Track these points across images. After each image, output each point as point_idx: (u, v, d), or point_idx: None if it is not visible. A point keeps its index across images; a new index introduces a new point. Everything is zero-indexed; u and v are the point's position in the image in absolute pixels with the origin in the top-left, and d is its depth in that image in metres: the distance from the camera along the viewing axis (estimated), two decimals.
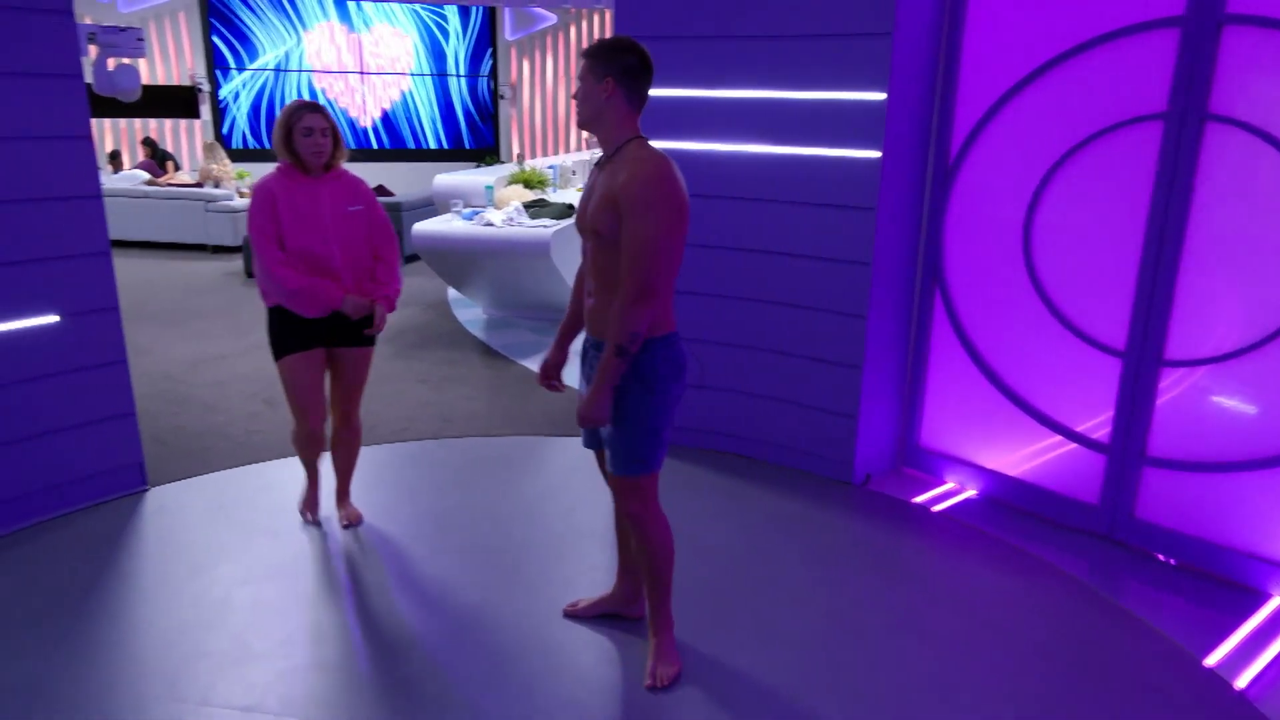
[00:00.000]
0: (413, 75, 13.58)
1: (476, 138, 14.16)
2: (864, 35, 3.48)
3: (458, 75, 13.79)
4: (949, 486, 3.96)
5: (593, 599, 2.93)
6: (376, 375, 3.40)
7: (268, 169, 3.10)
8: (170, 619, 2.87)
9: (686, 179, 2.38)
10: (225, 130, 12.58)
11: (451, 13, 13.49)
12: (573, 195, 7.44)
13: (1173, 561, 3.36)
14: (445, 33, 13.62)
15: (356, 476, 3.60)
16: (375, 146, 13.49)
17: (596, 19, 13.79)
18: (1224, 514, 3.21)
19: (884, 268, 3.73)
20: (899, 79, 3.51)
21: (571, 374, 3.18)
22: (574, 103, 2.41)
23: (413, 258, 8.98)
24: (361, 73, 13.29)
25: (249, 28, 12.50)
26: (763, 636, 2.84)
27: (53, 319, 3.40)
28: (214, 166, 9.87)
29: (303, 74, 12.93)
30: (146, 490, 3.77)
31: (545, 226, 6.09)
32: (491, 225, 6.16)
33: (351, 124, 13.31)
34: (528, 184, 7.46)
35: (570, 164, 8.74)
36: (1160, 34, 3.10)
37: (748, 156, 3.85)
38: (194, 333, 6.30)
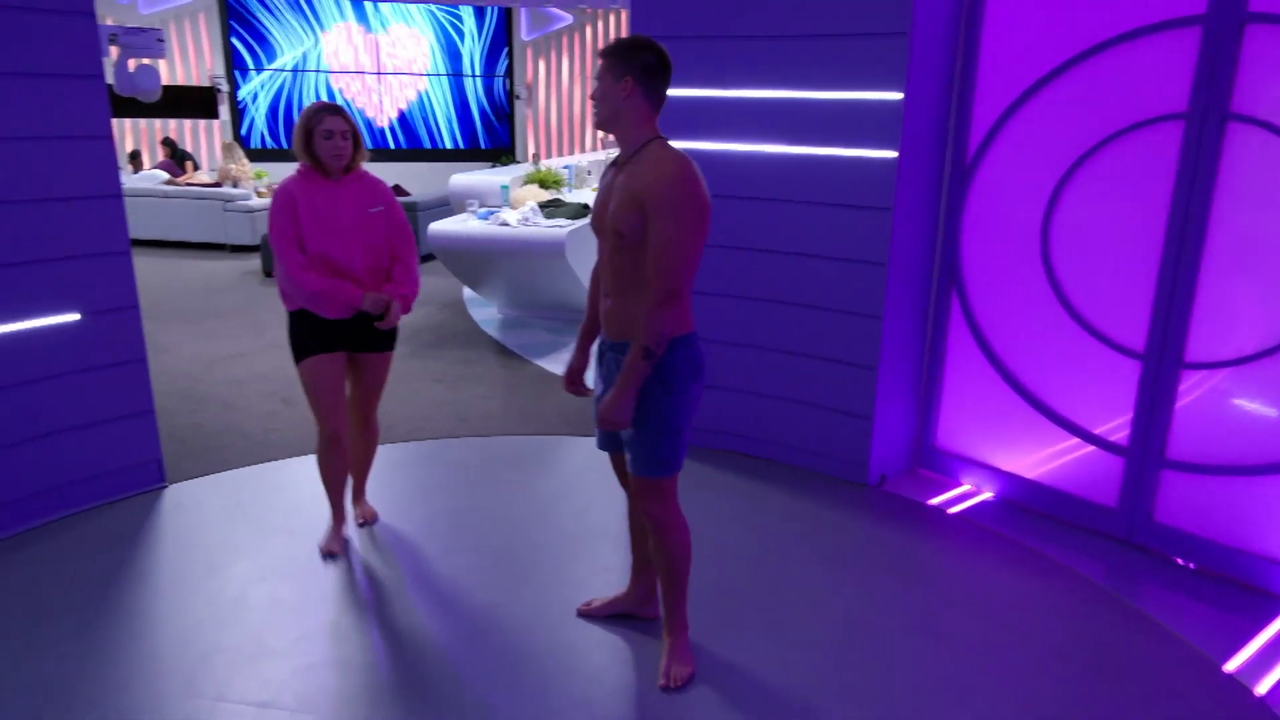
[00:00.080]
0: (429, 76, 13.64)
1: (492, 138, 14.20)
2: (880, 35, 3.47)
3: (473, 75, 13.84)
4: (965, 488, 3.94)
5: (606, 599, 2.93)
6: (392, 374, 3.41)
7: (286, 169, 3.12)
8: (187, 615, 2.90)
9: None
10: (244, 131, 12.68)
11: (467, 13, 13.53)
12: (588, 195, 7.45)
13: (1192, 565, 3.33)
14: (461, 33, 13.66)
15: (372, 475, 3.61)
16: (392, 146, 13.55)
17: (612, 19, 13.80)
18: (1244, 518, 3.18)
19: (900, 268, 3.71)
20: (916, 78, 3.49)
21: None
22: (591, 103, 2.39)
23: (428, 257, 9.02)
24: (378, 73, 13.35)
25: (267, 29, 12.59)
26: (776, 637, 2.83)
27: (74, 317, 3.44)
28: (232, 166, 9.95)
29: (320, 74, 13.01)
30: (165, 487, 3.80)
31: (560, 226, 6.09)
32: (507, 225, 6.18)
33: (369, 124, 13.38)
34: (543, 184, 7.47)
35: (586, 164, 8.75)
36: (1181, 33, 3.06)
37: (763, 156, 3.84)
38: (212, 331, 6.35)
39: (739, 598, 3.05)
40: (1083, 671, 2.70)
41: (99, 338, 3.52)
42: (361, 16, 13.10)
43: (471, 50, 13.76)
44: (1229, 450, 3.18)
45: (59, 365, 3.43)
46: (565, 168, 7.99)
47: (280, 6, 12.59)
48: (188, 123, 12.15)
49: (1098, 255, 3.39)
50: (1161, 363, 3.27)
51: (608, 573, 3.18)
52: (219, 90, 12.09)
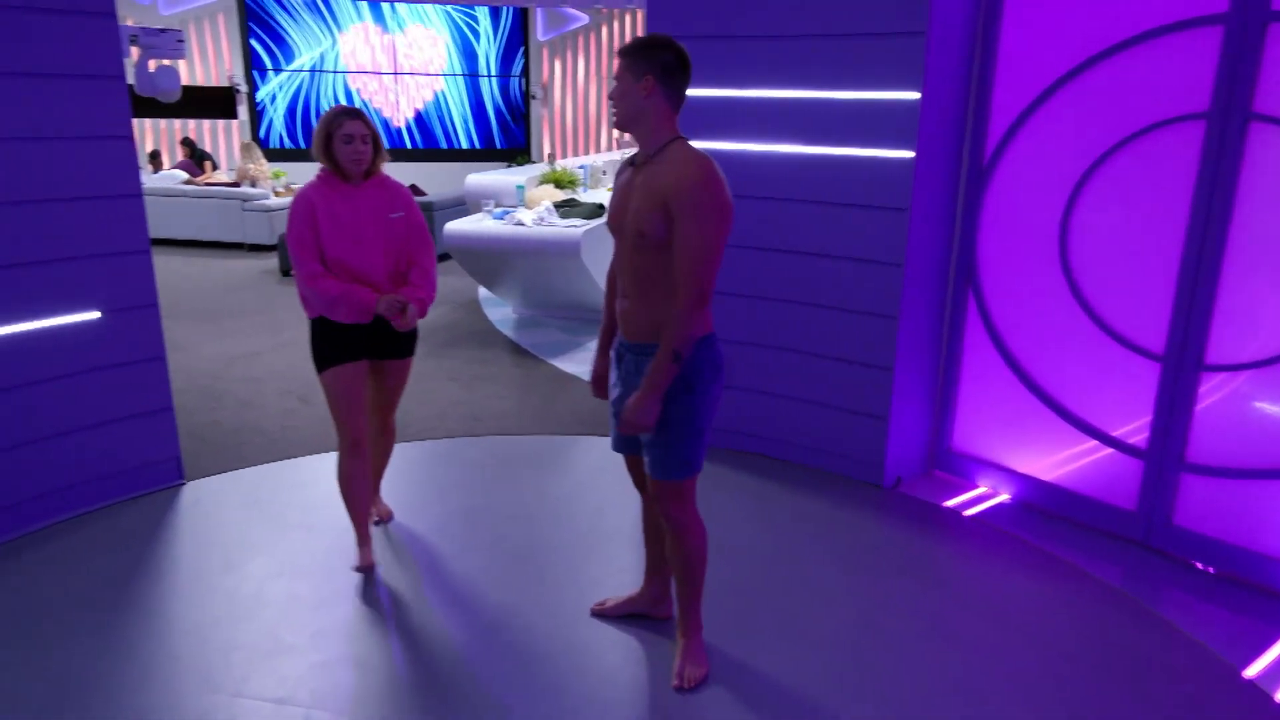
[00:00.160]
0: (445, 76, 13.69)
1: (508, 138, 14.24)
2: (898, 34, 3.45)
3: (489, 75, 13.89)
4: (981, 490, 3.91)
5: (620, 599, 2.93)
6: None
7: (303, 168, 3.12)
8: (205, 612, 2.92)
9: None
10: (263, 132, 12.77)
11: (483, 14, 13.58)
12: (603, 195, 7.45)
13: (1211, 570, 3.29)
14: (476, 34, 13.71)
15: (387, 473, 3.63)
16: (408, 146, 13.62)
17: (628, 19, 13.81)
18: (1265, 522, 3.14)
19: (916, 269, 3.69)
20: (933, 78, 3.47)
21: None
22: (609, 103, 2.38)
23: (444, 257, 9.05)
24: (395, 73, 13.42)
25: (285, 30, 12.68)
26: (790, 639, 2.83)
27: (94, 315, 3.48)
28: (251, 166, 10.02)
29: (338, 75, 13.08)
30: (183, 484, 3.84)
31: (576, 226, 6.10)
32: (522, 225, 6.19)
33: (385, 124, 13.45)
34: (559, 184, 7.49)
35: (601, 164, 8.76)
36: (1203, 31, 3.03)
37: (779, 156, 3.83)
38: (230, 330, 6.40)
39: (753, 598, 3.05)
40: (1099, 676, 2.68)
41: (119, 336, 3.55)
42: (379, 17, 13.17)
43: (487, 50, 13.81)
44: (1250, 453, 3.14)
45: (80, 363, 3.46)
46: (581, 168, 8.00)
47: (298, 8, 12.67)
48: (207, 123, 12.26)
49: (1117, 256, 3.37)
50: (1181, 365, 3.24)
51: (622, 573, 3.18)
52: (238, 90, 12.18)
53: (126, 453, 3.67)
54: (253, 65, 12.54)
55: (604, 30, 13.93)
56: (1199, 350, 3.19)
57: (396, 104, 13.53)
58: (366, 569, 3.16)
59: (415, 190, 10.10)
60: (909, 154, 3.52)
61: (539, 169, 8.35)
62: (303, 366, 5.38)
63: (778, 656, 2.73)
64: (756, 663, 2.70)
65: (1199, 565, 3.32)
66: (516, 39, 13.92)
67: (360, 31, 13.13)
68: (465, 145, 14.03)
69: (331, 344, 3.00)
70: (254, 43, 12.49)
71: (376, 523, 3.50)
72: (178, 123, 11.92)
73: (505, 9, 13.58)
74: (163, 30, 6.40)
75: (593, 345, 5.99)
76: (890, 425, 3.82)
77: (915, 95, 3.46)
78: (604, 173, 8.56)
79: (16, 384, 3.31)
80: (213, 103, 11.98)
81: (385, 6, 13.12)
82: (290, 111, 12.92)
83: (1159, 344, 3.29)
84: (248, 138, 12.40)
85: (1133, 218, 3.30)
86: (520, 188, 7.05)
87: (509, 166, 10.97)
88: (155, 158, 10.99)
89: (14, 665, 2.64)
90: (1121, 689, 2.62)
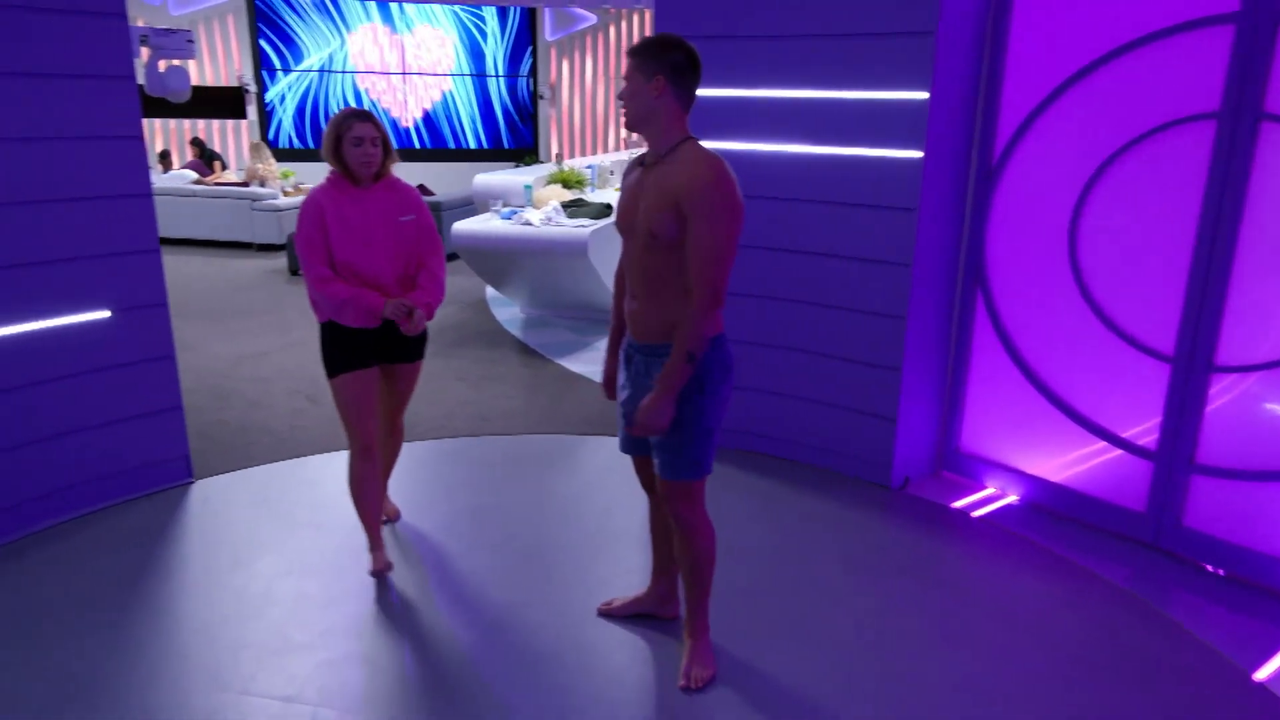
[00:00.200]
0: (453, 76, 13.72)
1: (516, 138, 14.26)
2: (906, 34, 3.44)
3: (497, 76, 13.91)
4: (989, 491, 3.90)
5: (627, 599, 2.93)
6: None
7: (312, 168, 3.12)
8: (213, 610, 2.93)
9: None
10: (272, 133, 12.82)
11: (490, 14, 13.60)
12: (611, 195, 7.46)
13: (1221, 572, 3.28)
14: (484, 34, 13.73)
15: (395, 472, 3.63)
16: (417, 146, 13.65)
17: (636, 19, 13.81)
18: (1276, 524, 3.12)
19: (925, 269, 3.69)
20: (942, 78, 3.46)
21: None
22: (619, 103, 2.37)
23: (452, 256, 9.06)
24: (404, 73, 13.45)
25: (294, 30, 12.72)
26: (798, 640, 2.82)
27: (104, 314, 3.49)
28: (260, 166, 10.06)
29: (346, 75, 13.12)
30: (192, 483, 3.85)
31: (583, 226, 6.11)
32: (530, 225, 6.20)
33: (394, 124, 13.49)
34: (566, 184, 7.49)
35: (609, 164, 8.77)
36: (1214, 31, 3.02)
37: (788, 156, 3.83)
38: (238, 329, 6.43)
39: (760, 599, 3.04)
40: (1108, 678, 2.67)
41: (129, 335, 3.57)
42: (387, 17, 13.20)
43: (494, 51, 13.83)
44: (1260, 455, 3.12)
45: (90, 362, 3.48)
46: (588, 168, 8.00)
47: (307, 8, 12.71)
48: (216, 123, 12.31)
49: (1126, 256, 3.35)
50: (1192, 366, 3.22)
51: (629, 573, 3.18)
52: (246, 90, 12.23)
53: (136, 451, 3.68)
54: (262, 65, 12.59)
55: (612, 30, 13.93)
56: (1209, 351, 3.17)
57: (405, 104, 13.57)
58: (381, 573, 3.14)
59: (423, 190, 10.13)
60: (917, 154, 3.51)
61: (546, 169, 8.37)
62: (311, 366, 5.40)
63: (785, 657, 2.73)
64: (763, 663, 2.70)
65: (1209, 567, 3.31)
66: (524, 39, 13.94)
67: (369, 32, 13.16)
68: (473, 145, 14.06)
69: (342, 349, 2.98)
70: (263, 43, 12.53)
71: (385, 522, 3.51)
72: (187, 123, 11.97)
73: (513, 9, 13.60)
74: (172, 30, 6.42)
75: (600, 345, 6.00)
76: (898, 426, 3.82)
77: (924, 95, 3.45)
78: (611, 173, 8.57)
79: (27, 382, 3.33)
80: (222, 103, 12.02)
81: (394, 7, 13.15)
82: (299, 111, 12.96)
83: (1169, 345, 3.28)
84: (257, 138, 12.45)
85: (1143, 218, 3.29)
86: (528, 188, 7.06)
87: (517, 166, 10.99)
88: (165, 158, 11.04)
89: (23, 663, 2.65)
90: (1130, 691, 2.61)
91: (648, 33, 12.92)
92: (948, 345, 3.94)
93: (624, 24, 13.88)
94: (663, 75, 2.25)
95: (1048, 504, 3.73)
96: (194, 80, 9.18)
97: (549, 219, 6.29)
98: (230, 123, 12.41)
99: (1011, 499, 3.84)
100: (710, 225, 2.20)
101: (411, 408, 4.36)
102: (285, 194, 9.92)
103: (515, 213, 6.48)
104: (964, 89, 3.60)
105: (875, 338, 3.77)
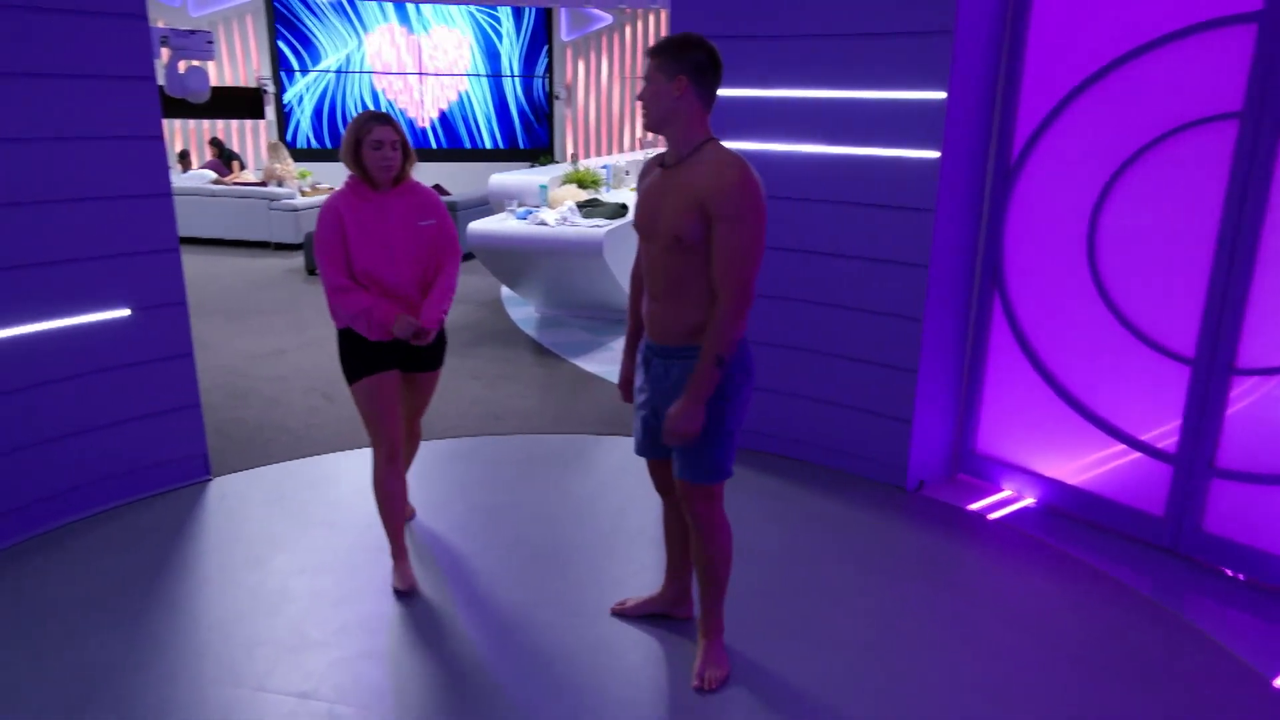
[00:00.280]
0: (469, 76, 13.77)
1: (531, 138, 14.29)
2: (924, 33, 3.42)
3: (513, 76, 13.94)
4: (1006, 494, 3.88)
5: (641, 598, 2.93)
6: None
7: (329, 168, 3.11)
8: (229, 607, 2.96)
9: None
10: (290, 135, 12.90)
11: (505, 14, 13.64)
12: (626, 195, 7.46)
13: (1241, 577, 3.24)
14: (499, 34, 13.78)
15: (410, 472, 3.64)
16: (433, 146, 13.71)
17: (652, 19, 13.81)
18: None
19: (941, 270, 3.66)
20: (959, 77, 3.44)
21: None
22: (639, 104, 2.35)
23: (468, 256, 9.10)
24: (420, 74, 13.51)
25: (312, 31, 12.80)
26: (811, 641, 2.81)
27: (124, 313, 3.52)
28: (277, 166, 10.13)
29: (363, 75, 13.19)
30: (209, 480, 3.88)
31: (598, 226, 6.11)
32: (545, 224, 6.21)
33: (410, 124, 13.55)
34: (581, 184, 7.50)
35: (624, 164, 8.77)
36: (1236, 30, 2.99)
37: (803, 156, 3.82)
38: (256, 328, 6.47)
39: (774, 600, 3.04)
40: (1126, 684, 2.65)
41: (148, 333, 3.60)
42: (404, 18, 13.27)
43: (510, 51, 13.87)
44: None
45: (109, 359, 3.51)
46: (603, 168, 8.01)
47: (325, 9, 12.79)
48: (234, 123, 12.41)
49: (1146, 258, 3.32)
50: (1212, 368, 3.19)
51: (643, 572, 3.18)
52: (265, 91, 12.31)
53: (154, 449, 3.71)
54: (280, 66, 12.68)
55: (627, 30, 13.94)
56: (1230, 353, 3.14)
57: (421, 104, 13.63)
58: (407, 591, 3.03)
59: (439, 190, 10.17)
60: (935, 154, 3.49)
61: (562, 169, 8.38)
62: (327, 365, 5.43)
63: (798, 658, 2.72)
64: (776, 664, 2.69)
65: (1229, 572, 3.27)
66: (540, 39, 13.97)
67: (386, 33, 13.23)
68: (489, 145, 14.10)
69: (360, 356, 2.95)
70: (281, 44, 12.62)
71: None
72: (206, 123, 12.07)
73: (528, 9, 13.64)
74: (192, 31, 6.48)
75: (615, 345, 6.00)
76: (914, 427, 3.80)
77: (941, 95, 3.43)
78: (627, 173, 8.57)
79: (49, 379, 3.37)
80: (241, 103, 12.11)
81: (410, 8, 13.21)
82: (317, 112, 13.04)
83: (1189, 347, 3.24)
84: (274, 138, 12.53)
85: (1163, 219, 3.26)
86: (543, 188, 7.08)
87: (532, 166, 11.01)
88: (184, 157, 11.14)
89: (41, 657, 2.68)
90: (1148, 697, 2.59)
91: (663, 33, 12.92)
92: (964, 346, 3.92)
93: (640, 24, 13.89)
94: (685, 75, 2.23)
95: (1064, 507, 3.70)
96: (213, 81, 9.26)
97: (564, 219, 6.30)
98: (248, 123, 12.50)
99: (1028, 502, 3.81)
100: (738, 227, 2.19)
101: None
102: (303, 194, 9.99)
103: (530, 212, 6.49)
104: (982, 88, 3.58)
105: (891, 339, 3.75)
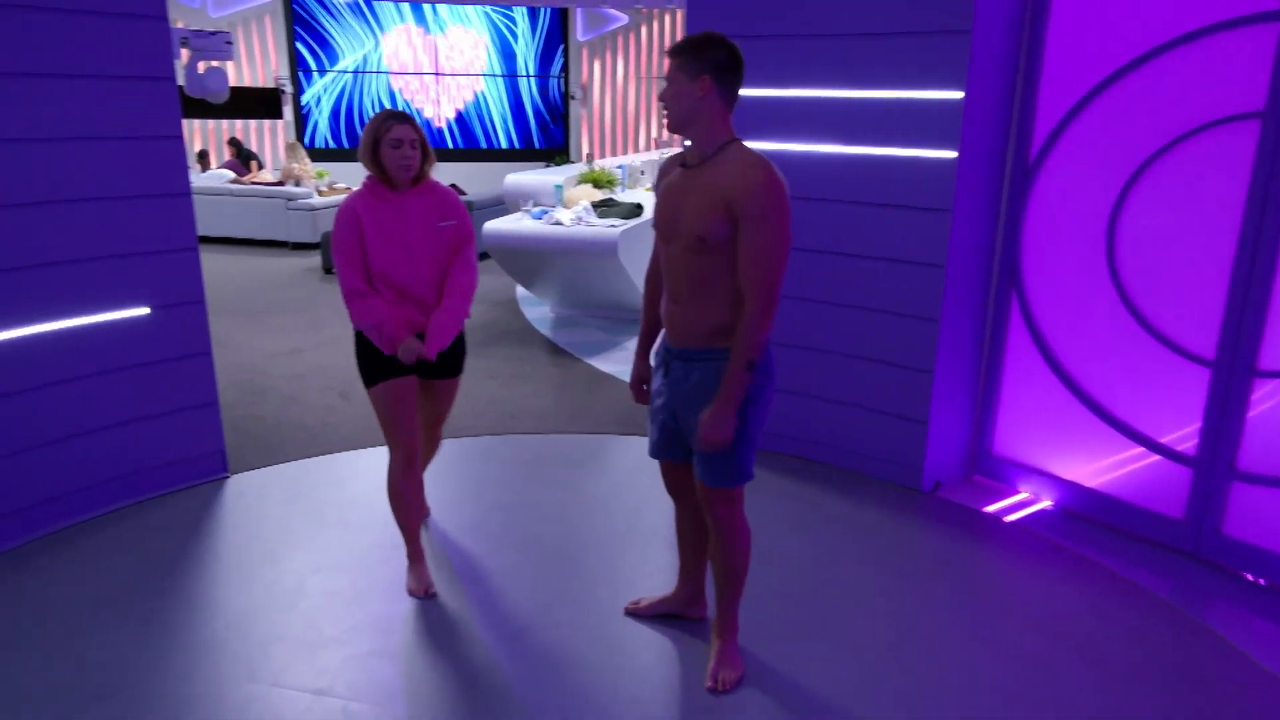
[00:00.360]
0: (485, 76, 13.81)
1: (547, 138, 14.32)
2: (941, 32, 3.41)
3: (528, 76, 13.98)
4: (1022, 496, 3.85)
5: (654, 598, 2.93)
6: None
7: (347, 168, 3.11)
8: (246, 603, 2.98)
9: None
10: (308, 135, 12.99)
11: (520, 15, 13.68)
12: (641, 195, 7.46)
13: (1262, 581, 3.20)
14: (515, 35, 13.81)
15: (425, 472, 3.66)
16: (449, 146, 13.76)
17: (668, 19, 13.81)
18: None
19: (958, 270, 3.64)
20: (977, 77, 3.42)
21: None
22: (660, 105, 2.32)
23: (483, 255, 9.13)
24: (436, 74, 13.56)
25: (329, 32, 12.88)
26: (826, 643, 2.80)
27: (144, 311, 3.56)
28: (295, 166, 10.19)
29: (380, 75, 13.26)
30: (227, 478, 3.91)
31: (613, 226, 6.11)
32: (560, 224, 6.22)
33: (427, 124, 13.61)
34: (596, 184, 7.51)
35: (639, 164, 8.77)
36: (1258, 29, 2.95)
37: (820, 156, 3.80)
38: (273, 326, 6.51)
39: (789, 602, 3.03)
40: (1143, 688, 2.62)
41: (167, 331, 3.63)
42: (420, 19, 13.32)
43: (526, 51, 13.91)
44: None
45: (128, 357, 3.55)
46: (619, 168, 8.01)
47: (342, 10, 12.87)
48: (253, 123, 12.49)
49: (1166, 259, 3.29)
50: (1233, 370, 3.15)
51: (657, 573, 3.18)
52: (283, 91, 12.40)
53: (172, 446, 3.75)
54: (298, 67, 12.76)
55: (643, 30, 13.94)
56: (1251, 355, 3.10)
57: (438, 104, 13.69)
58: (422, 595, 3.01)
59: (456, 189, 10.20)
60: (952, 154, 3.47)
61: (577, 169, 8.38)
62: (344, 364, 5.46)
63: (812, 660, 2.71)
64: (791, 666, 2.68)
65: (1249, 576, 3.23)
66: (556, 39, 14.00)
67: (402, 33, 13.29)
68: (504, 145, 14.14)
69: (377, 360, 2.90)
70: (299, 45, 12.70)
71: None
72: (225, 123, 12.16)
73: (544, 10, 13.67)
74: (212, 32, 6.52)
75: (630, 345, 6.00)
76: (930, 429, 3.78)
77: (959, 94, 3.41)
78: (642, 173, 8.57)
79: (68, 377, 3.40)
80: (259, 103, 12.20)
81: (427, 8, 13.27)
82: (334, 112, 13.12)
83: (1209, 349, 3.21)
84: (292, 138, 12.62)
85: (1183, 219, 3.22)
86: (558, 187, 7.08)
87: (547, 166, 11.03)
88: (203, 157, 11.23)
89: (60, 652, 2.71)
90: (1165, 702, 2.56)
91: (679, 33, 12.91)
92: (981, 347, 3.89)
93: (655, 24, 13.89)
94: (708, 75, 2.21)
95: (1082, 510, 3.67)
96: (232, 81, 9.33)
97: (579, 219, 6.30)
98: (267, 123, 12.59)
99: (1045, 504, 3.78)
100: (764, 228, 2.17)
101: None
102: (320, 193, 10.05)
103: (546, 212, 6.50)
104: (999, 88, 3.56)
105: (907, 340, 3.74)
